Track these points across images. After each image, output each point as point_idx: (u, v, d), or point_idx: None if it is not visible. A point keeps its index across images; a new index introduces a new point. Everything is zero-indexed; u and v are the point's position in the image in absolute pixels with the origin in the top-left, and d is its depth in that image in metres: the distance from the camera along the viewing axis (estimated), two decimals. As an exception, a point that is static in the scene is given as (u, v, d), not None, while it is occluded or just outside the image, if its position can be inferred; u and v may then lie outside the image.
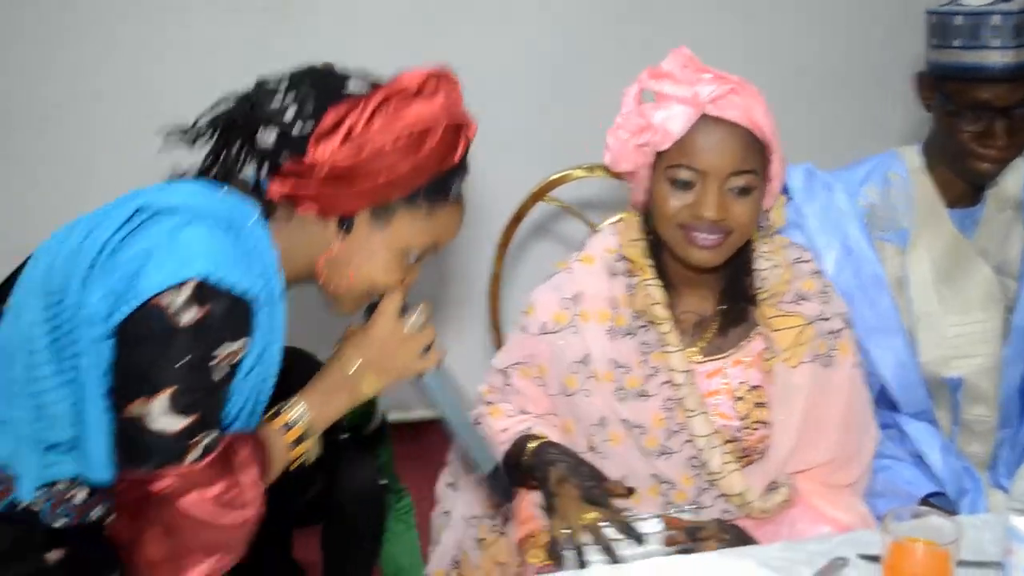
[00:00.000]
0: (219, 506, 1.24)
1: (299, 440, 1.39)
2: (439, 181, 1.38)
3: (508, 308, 2.28)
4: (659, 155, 1.58)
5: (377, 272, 1.40)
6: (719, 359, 1.68)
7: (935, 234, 1.91)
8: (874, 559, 1.40)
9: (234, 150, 1.36)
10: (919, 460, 1.88)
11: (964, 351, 1.89)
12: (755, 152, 1.55)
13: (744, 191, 1.55)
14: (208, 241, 1.25)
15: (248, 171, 1.37)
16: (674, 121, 1.52)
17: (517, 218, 2.31)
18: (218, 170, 1.37)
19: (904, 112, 3.38)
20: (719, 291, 1.68)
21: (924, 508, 1.35)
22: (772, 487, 1.67)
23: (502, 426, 1.72)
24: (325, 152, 1.30)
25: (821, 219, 1.88)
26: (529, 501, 1.68)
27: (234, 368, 1.27)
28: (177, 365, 1.21)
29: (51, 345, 1.28)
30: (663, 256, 1.66)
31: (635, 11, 3.20)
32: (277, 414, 1.38)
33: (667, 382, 1.64)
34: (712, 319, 1.69)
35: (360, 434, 2.43)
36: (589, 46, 3.15)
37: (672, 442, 1.65)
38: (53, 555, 1.36)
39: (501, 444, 1.68)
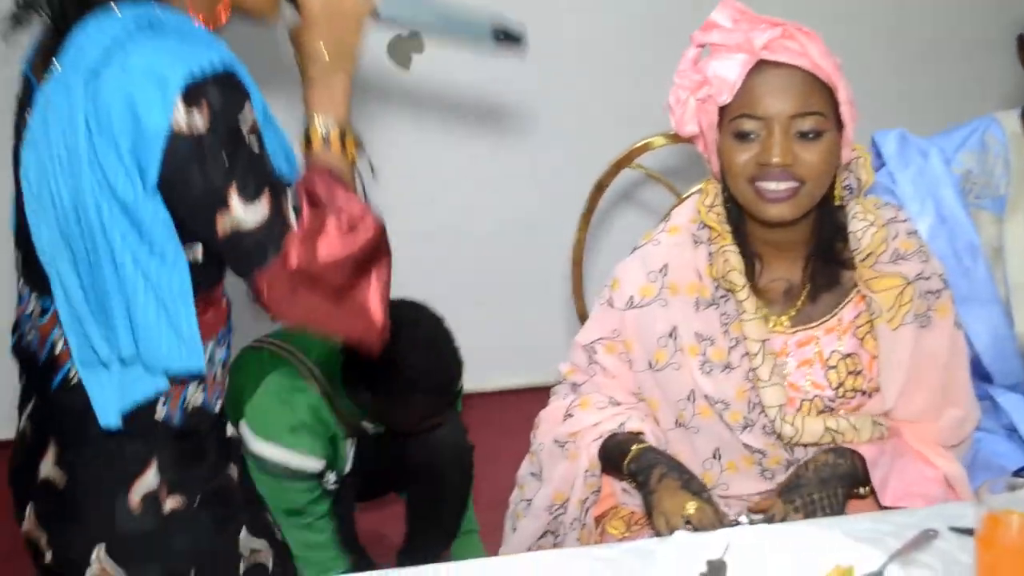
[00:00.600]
0: (344, 234, 1.28)
1: (343, 142, 1.39)
2: None
3: (592, 278, 2.27)
4: (722, 112, 1.55)
5: None
6: (811, 328, 1.64)
7: (1034, 202, 1.86)
8: (966, 532, 1.37)
9: None
10: (1012, 433, 1.84)
11: (1063, 322, 1.84)
12: (818, 93, 1.51)
13: (812, 135, 1.51)
14: (155, 53, 1.25)
15: None
16: (730, 70, 1.50)
17: (600, 186, 2.30)
18: None
19: (1007, 76, 3.30)
20: (806, 257, 1.64)
21: (1020, 480, 1.31)
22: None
23: (593, 420, 1.68)
24: None
25: (915, 185, 1.84)
26: (608, 479, 1.67)
27: (258, 131, 1.30)
28: (224, 167, 1.25)
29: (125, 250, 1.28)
30: (745, 224, 1.63)
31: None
32: (308, 141, 1.38)
33: (746, 353, 1.62)
34: (801, 287, 1.65)
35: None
36: (675, 10, 3.12)
37: (753, 414, 1.63)
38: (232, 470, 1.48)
39: (594, 440, 1.64)
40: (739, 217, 1.63)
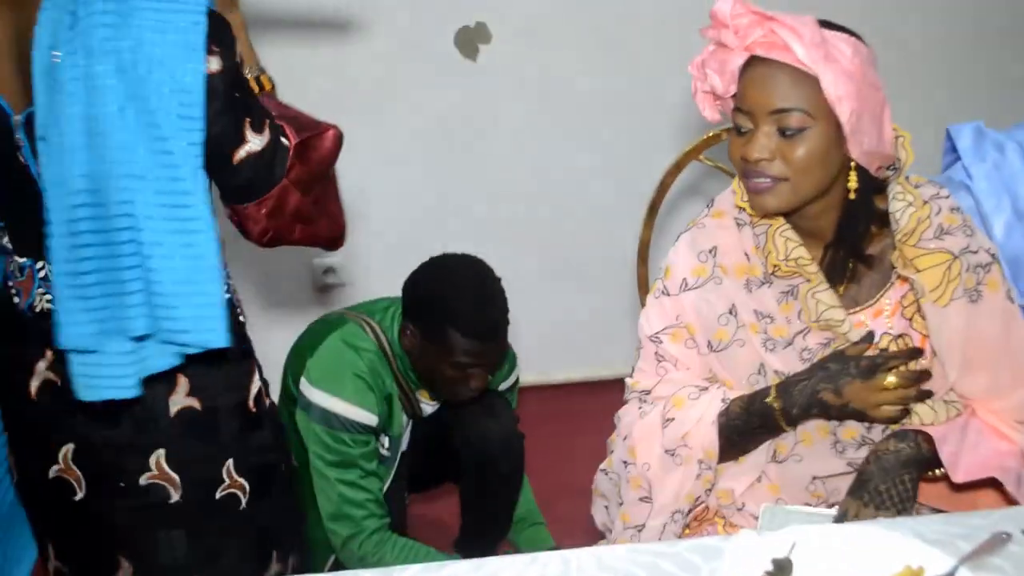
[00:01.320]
0: (319, 142, 1.53)
1: (259, 82, 1.63)
2: None
3: (658, 273, 2.26)
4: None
5: None
6: (858, 311, 1.63)
7: (1116, 196, 1.81)
8: (1040, 535, 1.35)
9: None
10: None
11: None
12: (803, 89, 1.49)
13: (794, 132, 1.50)
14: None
15: None
16: (723, 65, 1.54)
17: (668, 179, 2.28)
18: None
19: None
20: (836, 231, 1.62)
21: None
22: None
23: (697, 414, 1.65)
24: None
25: (990, 180, 1.80)
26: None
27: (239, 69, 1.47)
28: (240, 102, 1.44)
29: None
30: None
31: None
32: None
33: (802, 331, 1.62)
34: (842, 264, 1.63)
35: (497, 389, 2.47)
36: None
37: None
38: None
39: (710, 425, 1.63)
40: None
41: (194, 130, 1.35)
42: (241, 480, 1.60)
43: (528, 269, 3.39)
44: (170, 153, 1.34)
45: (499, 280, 2.29)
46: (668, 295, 1.69)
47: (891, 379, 1.54)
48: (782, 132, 1.50)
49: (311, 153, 1.52)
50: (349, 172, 3.31)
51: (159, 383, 1.49)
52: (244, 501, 1.61)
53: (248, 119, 1.45)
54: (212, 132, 1.39)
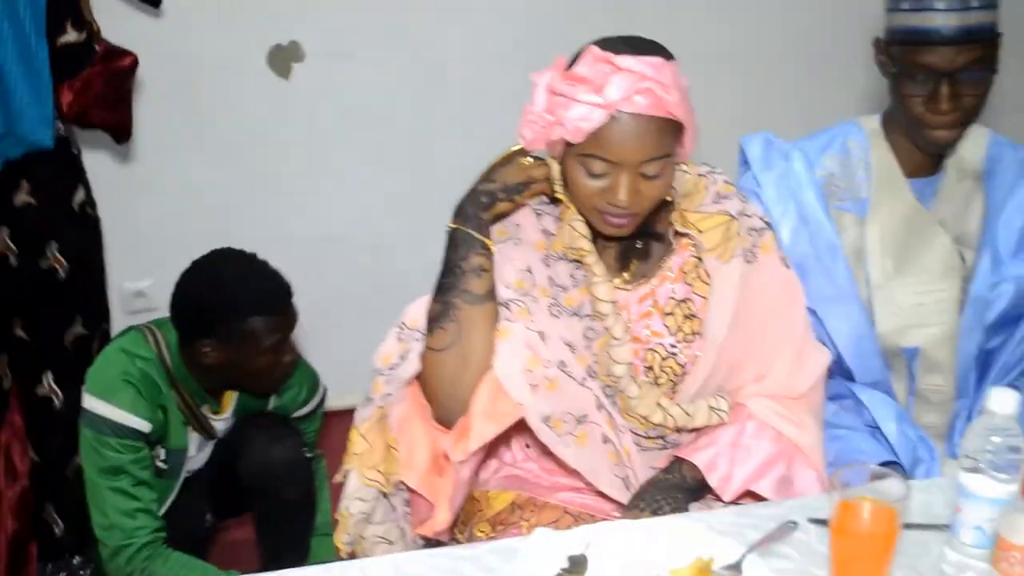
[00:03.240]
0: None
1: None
2: None
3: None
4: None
5: None
6: (647, 281, 1.69)
7: (894, 204, 1.89)
8: (824, 523, 1.39)
9: None
10: (875, 430, 1.87)
11: (921, 320, 1.87)
12: (668, 135, 1.52)
13: (656, 173, 1.53)
14: None
15: None
16: (584, 121, 1.48)
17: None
18: None
19: (869, 81, 3.40)
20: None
21: (880, 469, 1.34)
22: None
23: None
24: None
25: (777, 188, 1.86)
26: (424, 504, 1.64)
27: None
28: (64, 7, 2.26)
29: None
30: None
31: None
32: None
33: (590, 315, 1.66)
34: (633, 246, 1.69)
35: (288, 416, 2.44)
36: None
37: (595, 367, 1.66)
38: None
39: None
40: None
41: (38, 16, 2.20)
42: None
43: (338, 287, 3.37)
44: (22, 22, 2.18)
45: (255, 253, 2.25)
46: None
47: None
48: (643, 174, 1.52)
49: (114, 62, 2.35)
50: (159, 192, 3.22)
51: None
52: None
53: (70, 20, 2.26)
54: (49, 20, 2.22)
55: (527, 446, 1.79)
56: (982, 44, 1.74)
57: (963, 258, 1.90)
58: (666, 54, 1.54)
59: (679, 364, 1.67)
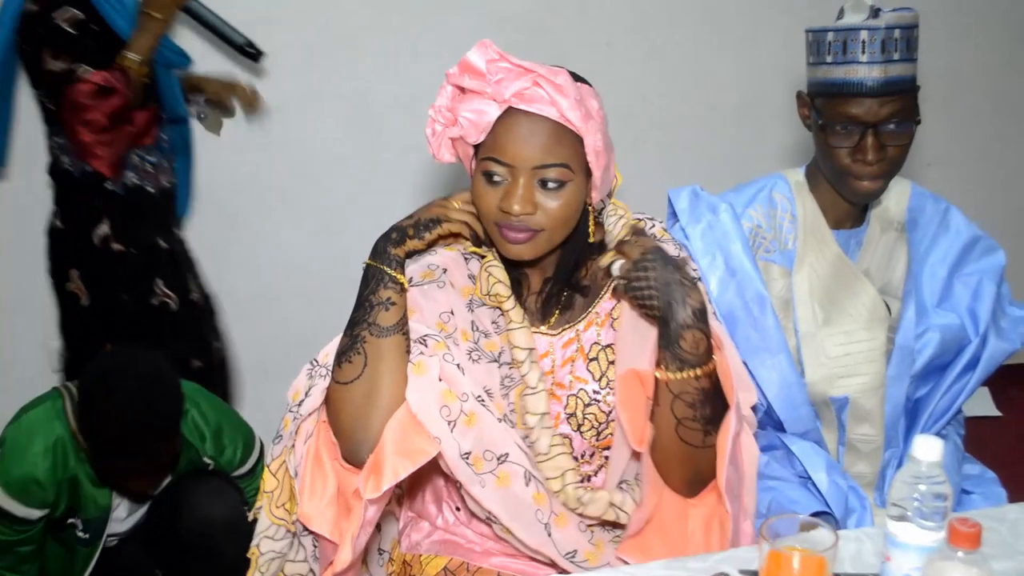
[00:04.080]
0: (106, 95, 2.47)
1: (140, 65, 2.48)
2: None
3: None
4: (476, 148, 1.58)
5: None
6: (572, 326, 1.67)
7: (820, 255, 1.91)
8: (755, 574, 1.38)
9: None
10: (806, 480, 1.87)
11: (849, 370, 1.89)
12: (565, 144, 1.52)
13: (555, 185, 1.53)
14: None
15: None
16: (480, 115, 1.51)
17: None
18: None
19: (793, 135, 3.46)
20: (557, 266, 1.68)
21: (809, 519, 1.33)
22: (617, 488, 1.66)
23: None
24: None
25: (704, 240, 1.87)
26: (330, 547, 1.60)
27: (79, 21, 2.46)
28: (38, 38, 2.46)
29: None
30: None
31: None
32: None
33: (509, 363, 1.64)
34: (558, 292, 1.68)
35: (228, 473, 2.38)
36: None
37: (512, 416, 1.64)
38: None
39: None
40: None
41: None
42: None
43: (274, 339, 3.35)
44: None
45: (154, 377, 2.15)
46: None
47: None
48: (542, 184, 1.52)
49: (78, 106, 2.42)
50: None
51: None
52: None
53: (47, 48, 2.42)
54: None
55: (457, 509, 1.75)
56: (903, 96, 1.78)
57: (889, 308, 1.92)
58: (577, 77, 1.56)
59: (602, 411, 1.66)
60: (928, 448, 1.29)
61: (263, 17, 3.05)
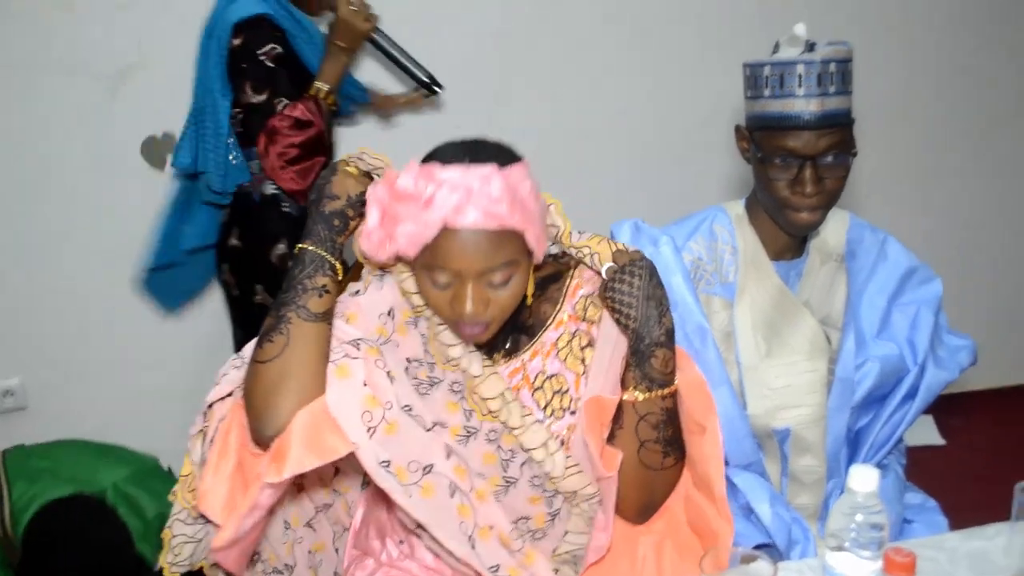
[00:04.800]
0: (300, 127, 2.57)
1: (327, 95, 2.62)
2: None
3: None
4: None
5: None
6: (517, 356, 1.66)
7: (760, 287, 1.93)
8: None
9: None
10: (750, 512, 1.87)
11: (791, 402, 1.90)
12: (507, 243, 1.48)
13: (503, 280, 1.51)
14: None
15: None
16: (417, 236, 1.46)
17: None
18: None
19: (734, 169, 3.49)
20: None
21: (749, 551, 1.33)
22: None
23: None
24: None
25: (646, 272, 1.88)
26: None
27: (276, 54, 2.56)
28: (239, 71, 2.60)
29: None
30: None
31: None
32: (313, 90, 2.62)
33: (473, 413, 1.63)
34: (503, 339, 1.67)
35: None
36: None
37: (472, 422, 1.62)
38: None
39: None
40: None
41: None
42: None
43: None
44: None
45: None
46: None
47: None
48: (490, 283, 1.50)
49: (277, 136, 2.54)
50: (24, 290, 3.12)
51: None
52: None
53: (249, 82, 2.55)
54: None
55: (401, 542, 1.74)
56: (840, 128, 1.80)
57: (829, 339, 1.94)
58: (504, 158, 1.50)
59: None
60: (864, 478, 1.31)
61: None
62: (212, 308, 3.24)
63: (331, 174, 1.60)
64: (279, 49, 2.56)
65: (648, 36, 3.53)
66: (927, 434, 3.87)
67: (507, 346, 1.66)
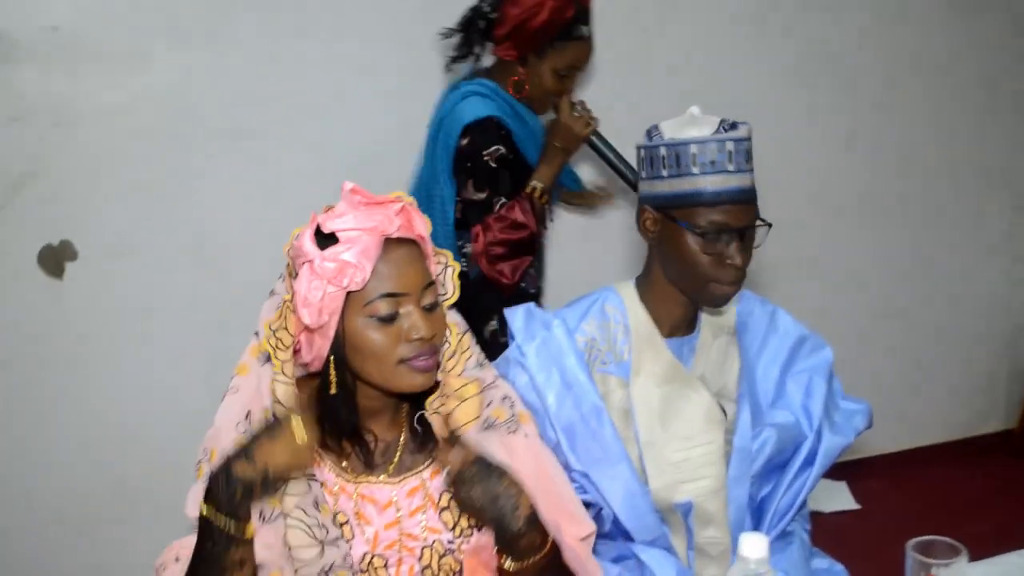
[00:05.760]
0: (511, 226, 2.71)
1: (542, 194, 2.74)
2: (564, 31, 2.69)
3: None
4: (350, 299, 1.53)
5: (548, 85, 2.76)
6: (416, 474, 1.66)
7: (655, 364, 1.96)
8: None
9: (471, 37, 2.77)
10: (657, 588, 1.88)
11: (690, 475, 1.92)
12: (427, 264, 1.59)
13: (434, 303, 1.57)
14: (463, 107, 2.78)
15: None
16: (369, 252, 1.50)
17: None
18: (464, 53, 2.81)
19: (635, 251, 3.52)
20: (404, 413, 1.69)
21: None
22: None
23: None
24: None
25: (540, 356, 1.90)
26: None
27: (500, 156, 2.70)
28: (463, 170, 2.76)
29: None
30: (352, 397, 1.61)
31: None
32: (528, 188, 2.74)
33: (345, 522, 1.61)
34: (397, 440, 1.68)
35: None
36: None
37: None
38: None
39: None
40: (347, 393, 1.61)
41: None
42: None
43: (123, 481, 3.24)
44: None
45: None
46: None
47: None
48: (426, 308, 1.55)
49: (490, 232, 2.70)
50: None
51: None
52: None
53: (472, 180, 2.71)
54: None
55: None
56: (755, 201, 1.87)
57: (725, 411, 1.97)
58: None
59: (457, 560, 1.64)
60: (754, 545, 1.33)
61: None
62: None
63: (265, 433, 1.44)
64: (503, 150, 2.69)
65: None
66: (842, 499, 3.92)
67: (399, 447, 1.67)
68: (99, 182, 3.06)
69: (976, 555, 1.93)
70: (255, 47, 3.16)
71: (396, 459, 1.67)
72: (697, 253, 1.85)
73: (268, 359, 1.59)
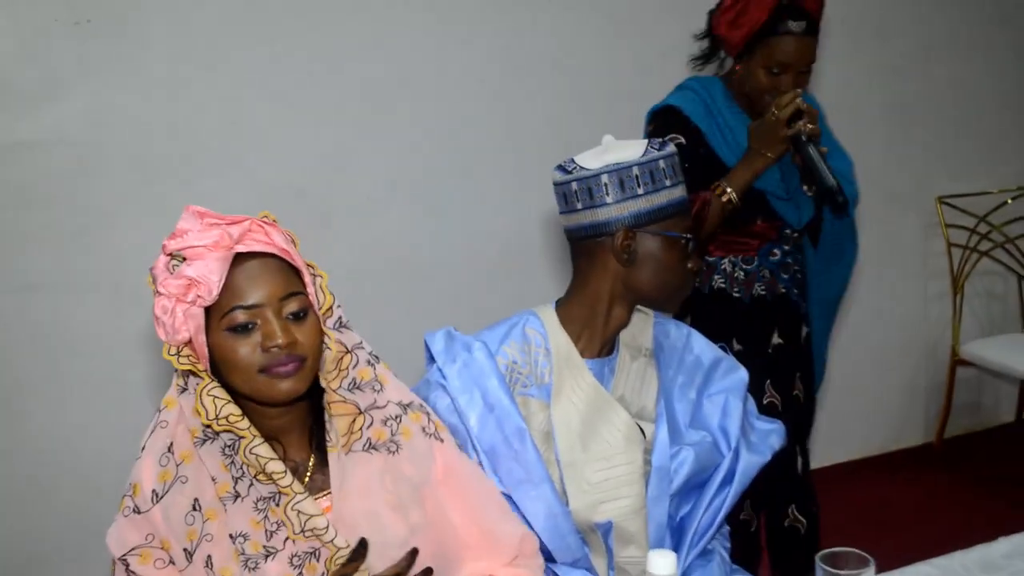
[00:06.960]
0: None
1: (726, 195, 2.60)
2: (769, 26, 2.58)
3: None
4: (209, 312, 1.56)
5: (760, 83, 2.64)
6: (326, 495, 1.67)
7: (575, 385, 1.98)
8: None
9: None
10: (579, 608, 1.89)
11: (610, 495, 1.94)
12: (294, 276, 1.60)
13: (299, 315, 1.58)
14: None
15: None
16: (213, 267, 1.53)
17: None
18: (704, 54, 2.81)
19: (561, 275, 3.55)
20: (309, 429, 1.70)
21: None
22: None
23: None
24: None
25: (462, 378, 1.91)
26: None
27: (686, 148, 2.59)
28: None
29: None
30: (251, 414, 1.63)
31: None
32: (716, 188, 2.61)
33: (290, 538, 1.61)
34: (307, 460, 1.69)
35: None
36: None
37: None
38: None
39: None
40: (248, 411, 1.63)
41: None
42: None
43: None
44: None
45: None
46: (139, 512, 1.62)
47: None
48: (290, 317, 1.57)
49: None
50: None
51: None
52: None
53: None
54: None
55: None
56: None
57: (643, 431, 2.00)
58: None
59: None
60: (661, 563, 1.35)
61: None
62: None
63: None
64: (681, 139, 2.63)
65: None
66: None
67: (306, 481, 1.68)
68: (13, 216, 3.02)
69: (892, 566, 1.99)
70: (167, 78, 3.15)
71: (306, 479, 1.67)
72: (681, 260, 1.98)
73: (185, 387, 1.60)
